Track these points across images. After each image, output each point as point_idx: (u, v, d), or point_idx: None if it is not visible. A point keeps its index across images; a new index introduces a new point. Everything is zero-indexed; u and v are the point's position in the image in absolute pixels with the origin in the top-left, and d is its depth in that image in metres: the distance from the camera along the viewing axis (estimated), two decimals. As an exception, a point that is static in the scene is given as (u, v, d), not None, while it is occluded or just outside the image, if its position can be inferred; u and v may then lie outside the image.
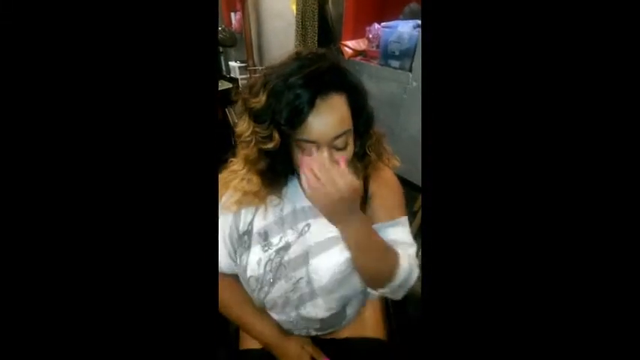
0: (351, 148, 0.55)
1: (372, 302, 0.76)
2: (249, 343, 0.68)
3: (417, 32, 1.38)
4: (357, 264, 0.57)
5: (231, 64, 2.57)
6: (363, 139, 0.59)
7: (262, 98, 0.51)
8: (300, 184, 0.62)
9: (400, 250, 0.59)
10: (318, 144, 0.51)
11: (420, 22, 1.40)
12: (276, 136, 0.51)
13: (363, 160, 0.61)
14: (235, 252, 0.64)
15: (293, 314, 0.64)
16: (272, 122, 0.51)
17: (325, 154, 0.51)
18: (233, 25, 2.59)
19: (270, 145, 0.52)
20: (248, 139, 0.53)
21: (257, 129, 0.52)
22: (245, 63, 2.50)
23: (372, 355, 0.65)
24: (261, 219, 0.62)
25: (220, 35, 2.40)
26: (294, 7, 2.07)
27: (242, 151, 0.57)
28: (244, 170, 0.58)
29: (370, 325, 0.71)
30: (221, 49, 2.37)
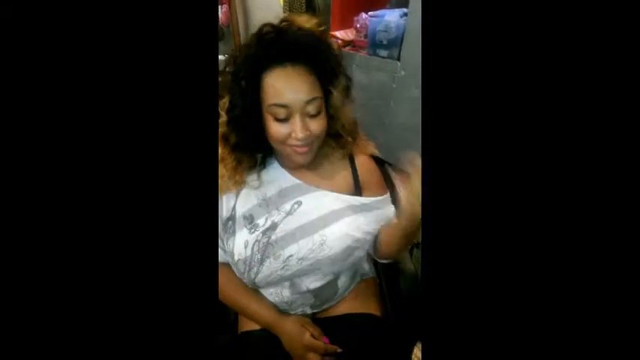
0: (323, 117, 0.57)
1: (366, 279, 0.78)
2: (248, 325, 0.70)
3: (405, 21, 1.39)
4: (409, 232, 0.59)
5: (220, 57, 2.55)
6: (334, 118, 0.60)
7: (228, 71, 0.55)
8: (280, 164, 0.65)
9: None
10: (290, 109, 0.53)
11: (407, 10, 1.41)
12: (240, 102, 0.54)
13: (337, 141, 0.64)
14: (222, 239, 0.66)
15: (286, 292, 0.66)
16: (238, 91, 0.54)
17: (298, 121, 0.53)
18: (220, 19, 2.56)
19: (236, 112, 0.55)
20: (221, 114, 0.56)
21: (225, 100, 0.56)
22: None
23: (368, 331, 0.68)
24: (243, 203, 0.64)
25: (207, 29, 2.37)
26: (281, -2, 2.05)
27: (219, 131, 0.59)
28: (220, 151, 0.60)
29: (365, 302, 0.74)
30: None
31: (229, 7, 2.47)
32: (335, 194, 0.64)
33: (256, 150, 0.62)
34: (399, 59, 1.43)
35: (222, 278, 0.67)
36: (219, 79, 0.57)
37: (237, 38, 2.42)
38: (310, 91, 0.53)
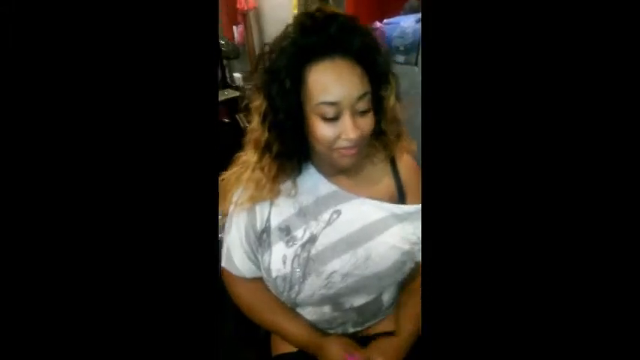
0: (372, 115, 0.51)
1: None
2: (283, 347, 0.64)
3: (420, 26, 1.37)
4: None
5: (236, 75, 2.61)
6: (379, 114, 0.54)
7: (262, 70, 0.50)
8: (318, 170, 0.58)
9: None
10: (340, 106, 0.47)
11: (421, 15, 1.39)
12: (284, 104, 0.48)
13: (380, 140, 0.57)
14: (255, 253, 0.59)
15: (327, 308, 0.59)
16: (280, 91, 0.48)
17: (349, 119, 0.47)
18: (235, 38, 2.63)
19: (280, 116, 0.49)
20: (259, 119, 0.51)
21: (259, 103, 0.50)
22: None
23: (413, 351, 0.62)
24: (279, 213, 0.57)
25: (223, 48, 2.44)
26: (295, 11, 2.09)
27: (252, 138, 0.54)
28: (255, 158, 0.54)
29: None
30: (225, 62, 2.41)
31: (244, 26, 2.54)
32: (376, 202, 0.58)
33: (299, 156, 0.56)
34: (416, 64, 1.41)
35: (252, 296, 0.61)
36: (253, 82, 0.53)
37: (252, 56, 2.48)
38: (362, 86, 0.47)
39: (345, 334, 0.62)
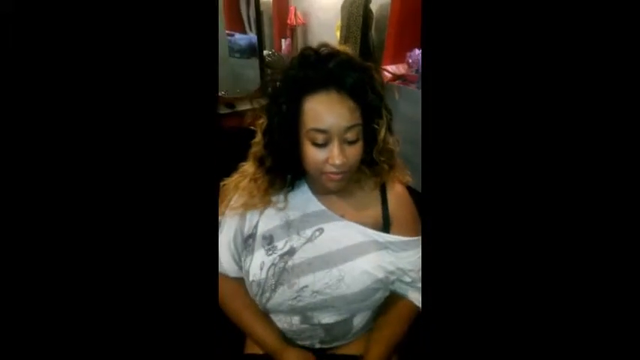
0: (361, 145, 0.55)
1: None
2: (254, 348, 0.68)
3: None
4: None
5: (278, 85, 2.76)
6: (371, 144, 0.57)
7: (269, 93, 0.55)
8: (310, 189, 0.63)
9: (410, 292, 0.64)
10: (329, 134, 0.51)
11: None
12: (279, 126, 0.53)
13: (372, 169, 0.61)
14: (240, 255, 0.64)
15: (296, 320, 0.63)
16: (278, 114, 0.53)
17: (336, 147, 0.52)
18: (283, 50, 2.81)
19: (274, 136, 0.54)
20: (260, 136, 0.56)
21: (263, 122, 0.55)
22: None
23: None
24: (266, 222, 0.62)
25: (269, 58, 2.61)
26: (338, 33, 2.21)
27: (253, 151, 0.59)
28: (252, 170, 0.60)
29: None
30: (269, 71, 2.58)
31: (292, 40, 2.72)
32: (359, 227, 0.61)
33: (289, 172, 0.61)
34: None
35: (230, 295, 0.64)
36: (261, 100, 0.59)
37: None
38: (351, 118, 0.51)
39: (311, 349, 0.65)
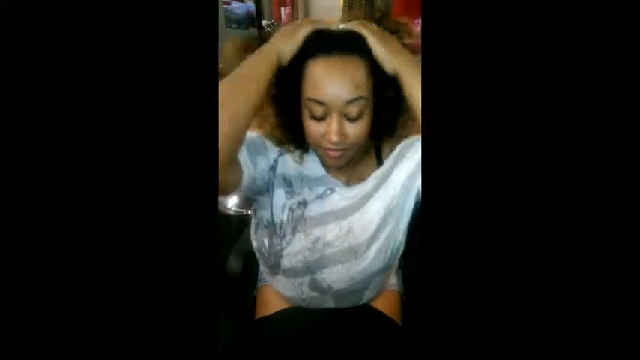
0: (366, 123, 0.49)
1: (392, 291, 0.75)
2: (265, 310, 0.69)
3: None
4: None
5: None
6: (394, 114, 0.52)
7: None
8: (319, 160, 0.59)
9: None
10: (327, 107, 0.46)
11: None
12: (278, 92, 0.49)
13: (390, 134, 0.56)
14: (257, 160, 0.56)
15: (306, 285, 0.62)
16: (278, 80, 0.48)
17: (335, 122, 0.46)
18: (282, 20, 2.67)
19: (275, 103, 0.51)
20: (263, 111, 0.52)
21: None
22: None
23: (383, 330, 0.65)
24: (284, 166, 0.58)
25: (268, 30, 2.49)
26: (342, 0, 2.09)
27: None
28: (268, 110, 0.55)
29: (387, 308, 0.70)
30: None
31: (292, 8, 2.57)
32: (362, 186, 0.59)
33: (298, 142, 0.57)
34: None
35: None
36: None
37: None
38: (354, 89, 0.45)
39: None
